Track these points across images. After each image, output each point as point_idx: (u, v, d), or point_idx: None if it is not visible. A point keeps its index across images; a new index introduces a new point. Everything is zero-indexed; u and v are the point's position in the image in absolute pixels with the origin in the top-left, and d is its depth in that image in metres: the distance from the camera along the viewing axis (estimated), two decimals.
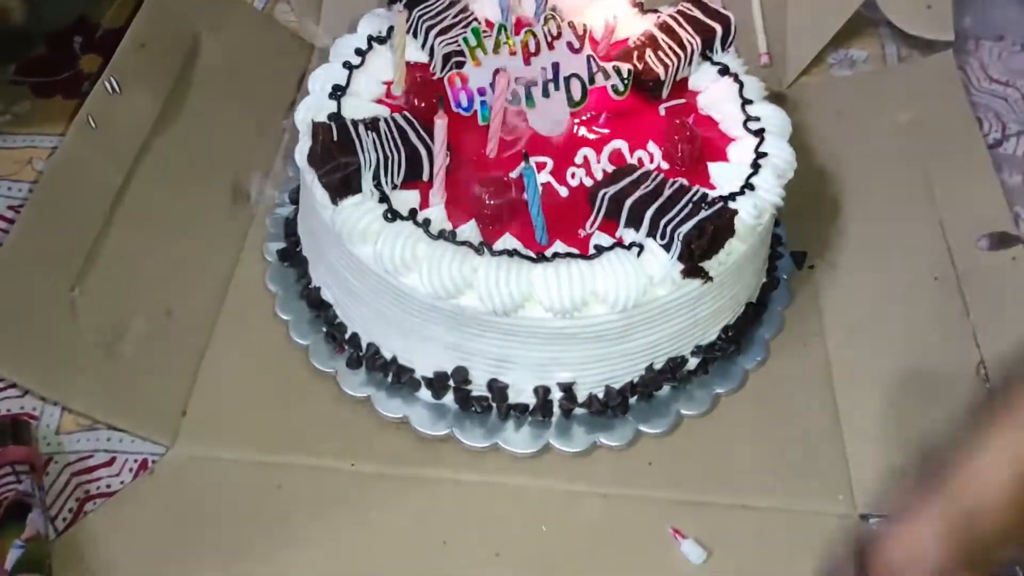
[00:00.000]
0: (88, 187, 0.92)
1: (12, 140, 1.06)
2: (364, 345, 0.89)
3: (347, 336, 0.90)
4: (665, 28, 0.97)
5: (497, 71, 0.89)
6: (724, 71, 0.97)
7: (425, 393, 0.88)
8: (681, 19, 0.98)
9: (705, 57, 0.98)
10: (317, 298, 0.93)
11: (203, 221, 0.99)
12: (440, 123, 0.79)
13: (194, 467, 0.85)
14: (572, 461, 0.86)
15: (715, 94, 0.95)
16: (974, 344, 0.91)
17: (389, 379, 0.88)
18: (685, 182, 0.85)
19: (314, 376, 0.91)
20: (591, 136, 0.92)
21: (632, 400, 0.88)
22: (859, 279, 1.00)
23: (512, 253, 0.80)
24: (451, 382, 0.86)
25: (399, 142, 0.84)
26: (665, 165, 0.90)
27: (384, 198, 0.83)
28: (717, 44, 0.98)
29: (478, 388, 0.86)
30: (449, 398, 0.87)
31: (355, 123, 0.84)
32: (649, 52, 0.95)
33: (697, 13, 0.98)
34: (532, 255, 0.80)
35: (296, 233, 0.98)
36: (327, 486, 0.84)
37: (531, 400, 0.86)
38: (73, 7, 1.20)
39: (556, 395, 0.86)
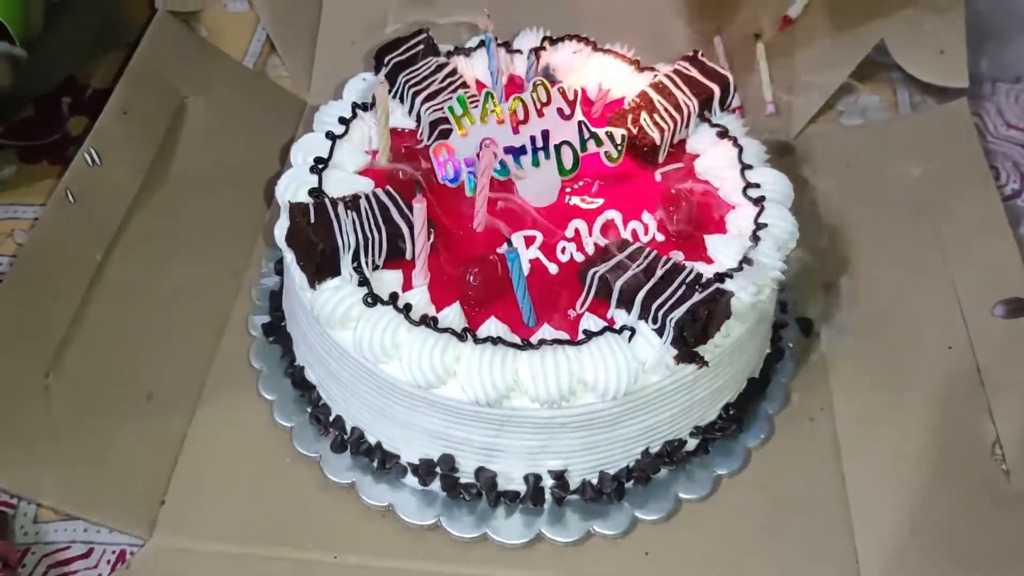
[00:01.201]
0: (65, 264, 0.89)
1: None
2: (349, 429, 0.86)
3: (331, 419, 0.87)
4: (661, 89, 0.93)
5: (484, 141, 0.86)
6: (723, 133, 0.93)
7: (412, 480, 0.84)
8: (678, 79, 0.94)
9: (703, 118, 0.94)
10: (301, 378, 0.90)
11: (186, 294, 0.97)
12: (419, 207, 0.76)
13: (173, 559, 0.82)
14: (565, 552, 0.82)
15: (714, 158, 0.91)
16: (989, 420, 0.86)
17: (375, 465, 0.85)
18: (680, 259, 0.81)
19: (298, 460, 0.87)
20: (583, 206, 0.88)
21: (628, 485, 0.84)
22: (868, 347, 0.95)
23: (496, 341, 0.76)
24: (438, 469, 0.82)
25: (380, 221, 0.81)
26: (660, 237, 0.86)
27: (364, 281, 0.79)
28: (716, 105, 0.94)
29: (466, 475, 0.83)
30: (436, 485, 0.84)
31: (334, 202, 0.81)
32: (644, 115, 0.92)
33: (695, 73, 0.94)
34: (518, 342, 0.77)
35: (281, 308, 0.95)
36: None
37: (522, 488, 0.82)
38: (61, 69, 1.18)
39: (548, 482, 0.82)
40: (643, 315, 0.77)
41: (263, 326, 0.95)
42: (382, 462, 0.84)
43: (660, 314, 0.76)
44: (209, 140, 1.07)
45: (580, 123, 0.88)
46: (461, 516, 0.83)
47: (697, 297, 0.76)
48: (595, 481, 0.83)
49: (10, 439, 0.79)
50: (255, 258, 1.02)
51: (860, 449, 0.88)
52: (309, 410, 0.89)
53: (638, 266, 0.79)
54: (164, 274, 0.96)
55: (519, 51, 1.02)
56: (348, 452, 0.86)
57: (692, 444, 0.86)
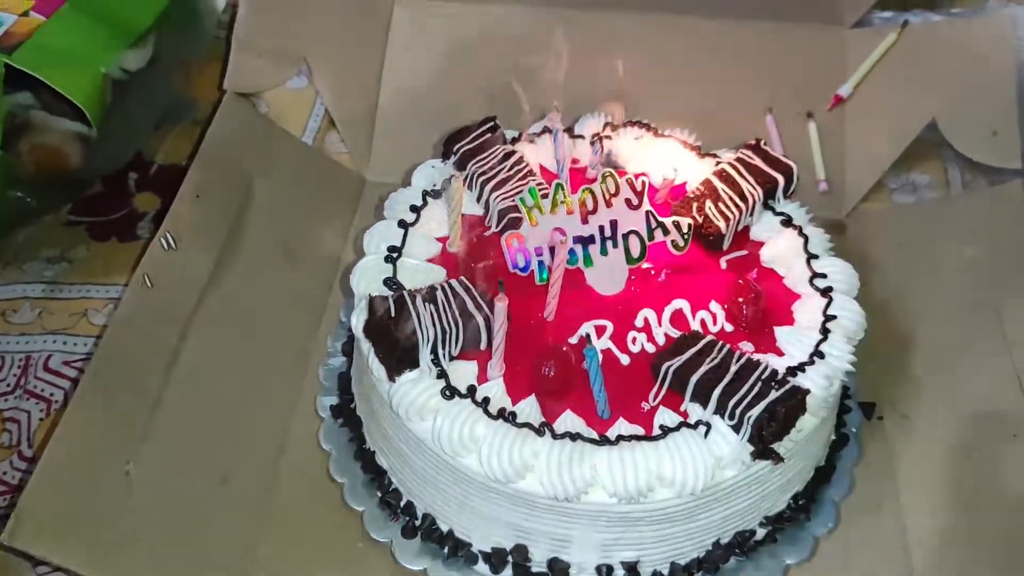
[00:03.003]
0: (144, 350, 0.91)
1: (68, 291, 1.06)
2: (420, 515, 0.87)
3: (402, 504, 0.88)
4: (725, 177, 0.95)
5: (555, 230, 0.88)
6: (787, 222, 0.94)
7: (483, 567, 0.85)
8: (742, 168, 0.96)
9: (767, 206, 0.96)
10: (372, 461, 0.91)
11: (256, 375, 0.98)
12: (500, 305, 0.78)
13: None
14: None
15: (779, 247, 0.93)
16: None
17: (446, 552, 0.86)
18: (753, 355, 0.82)
19: (369, 544, 0.88)
20: (651, 295, 0.90)
21: (698, 575, 0.84)
22: (933, 432, 0.96)
23: (575, 436, 0.77)
24: (510, 558, 0.83)
25: (457, 313, 0.82)
26: (729, 328, 0.87)
27: (442, 373, 0.81)
28: (779, 193, 0.96)
29: (538, 565, 0.83)
30: (508, 573, 0.84)
31: (412, 294, 0.83)
32: (709, 204, 0.93)
33: (758, 161, 0.96)
34: (595, 436, 0.78)
35: (350, 390, 0.96)
36: None
37: None
38: (129, 146, 1.21)
39: (619, 573, 0.83)
40: (719, 411, 0.78)
41: (331, 408, 0.96)
42: (454, 550, 0.85)
43: (737, 411, 0.77)
44: (274, 220, 1.09)
45: (648, 213, 0.89)
46: None
47: (774, 395, 0.77)
48: (666, 572, 0.83)
49: (96, 530, 0.80)
50: (320, 337, 1.04)
51: (929, 540, 0.88)
52: (379, 494, 0.90)
53: (711, 360, 0.80)
54: (235, 355, 0.98)
55: (581, 136, 1.04)
56: (419, 538, 0.87)
57: (761, 533, 0.86)
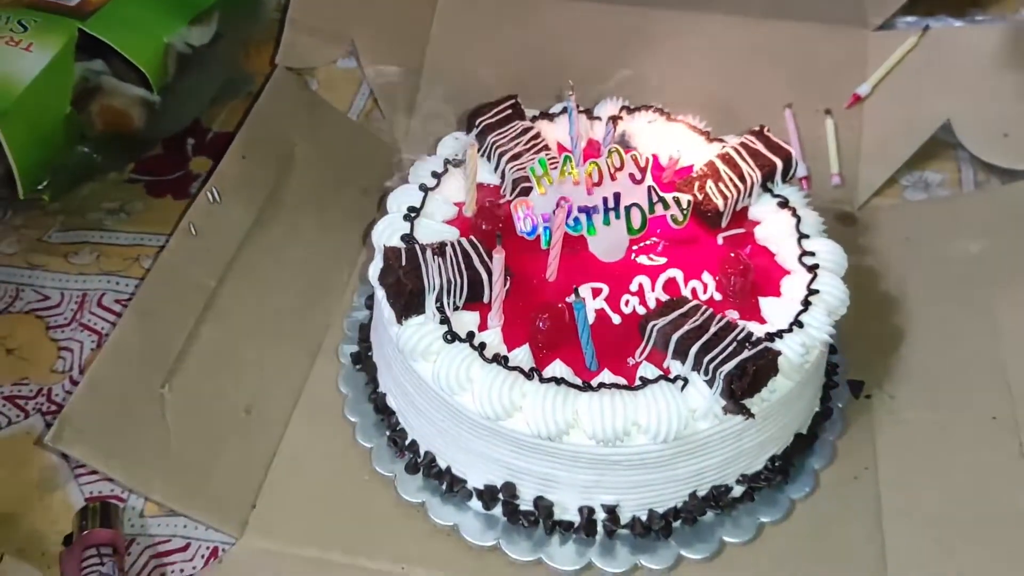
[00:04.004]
0: (184, 290, 1.01)
1: (123, 238, 1.17)
2: (422, 453, 0.95)
3: (407, 443, 0.96)
4: (727, 160, 1.01)
5: (560, 199, 0.95)
6: (783, 204, 1.00)
7: (476, 503, 0.92)
8: (744, 152, 1.01)
9: (766, 188, 1.01)
10: (383, 403, 0.99)
11: (285, 322, 1.07)
12: (498, 257, 0.85)
13: (260, 559, 0.91)
14: None
15: (773, 227, 0.98)
16: None
17: (443, 487, 0.93)
18: (733, 318, 0.88)
19: (375, 478, 0.96)
20: (648, 263, 0.96)
21: (676, 524, 0.90)
22: (916, 413, 1.00)
23: (560, 381, 0.84)
24: (500, 495, 0.90)
25: (463, 267, 0.90)
26: (718, 296, 0.93)
27: (445, 319, 0.88)
28: (778, 177, 1.01)
29: (525, 503, 0.90)
30: (498, 510, 0.91)
31: (423, 248, 0.91)
32: (710, 183, 0.99)
33: (760, 146, 1.02)
34: (579, 383, 0.84)
35: (368, 339, 1.04)
36: None
37: (576, 518, 0.89)
38: (188, 114, 1.31)
39: (600, 515, 0.89)
40: (696, 367, 0.84)
41: (351, 354, 1.05)
42: (450, 485, 0.92)
43: (711, 367, 0.83)
44: (312, 184, 1.18)
45: (650, 188, 0.96)
46: (519, 540, 0.91)
47: (747, 353, 0.82)
48: (644, 518, 0.89)
49: (130, 441, 0.90)
50: (348, 293, 1.12)
51: (901, 511, 0.93)
52: (387, 433, 0.98)
53: (694, 322, 0.86)
54: (267, 303, 1.07)
55: (599, 118, 1.11)
56: (420, 474, 0.95)
57: (738, 491, 0.92)
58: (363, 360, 1.04)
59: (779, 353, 0.84)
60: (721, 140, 1.06)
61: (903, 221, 1.20)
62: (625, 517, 0.89)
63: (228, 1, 1.33)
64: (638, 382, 0.85)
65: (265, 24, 1.41)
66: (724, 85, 1.31)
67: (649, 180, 0.96)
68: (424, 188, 1.00)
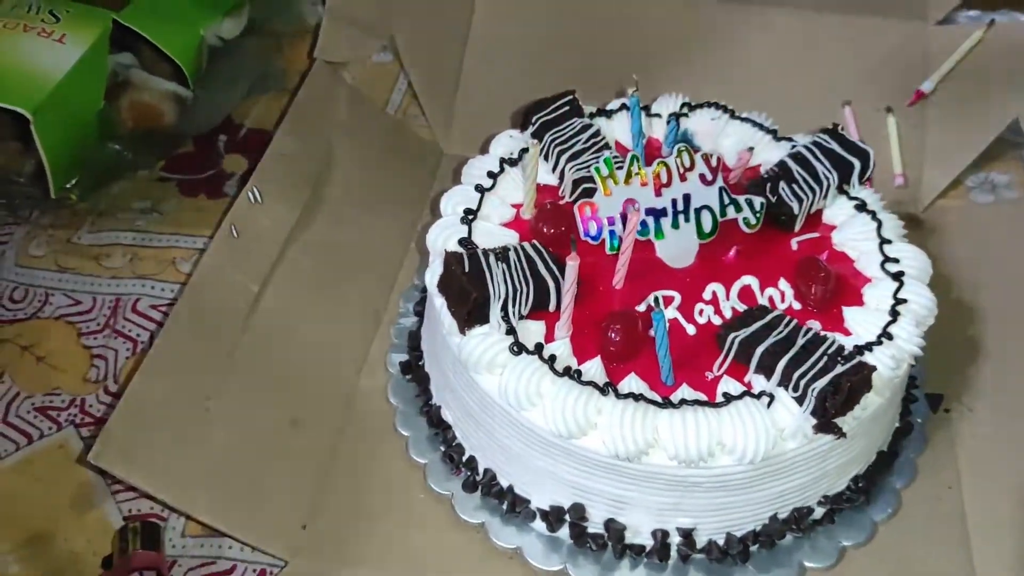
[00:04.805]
0: (228, 296, 0.95)
1: (157, 239, 1.11)
2: (481, 470, 0.89)
3: (464, 459, 0.91)
4: (800, 160, 0.95)
5: (627, 201, 0.89)
6: (861, 207, 0.94)
7: (540, 525, 0.87)
8: (818, 151, 0.96)
9: (841, 190, 0.96)
10: (437, 416, 0.93)
11: (330, 328, 1.02)
12: (572, 264, 0.80)
13: None
14: None
15: (851, 231, 0.93)
16: None
17: (504, 507, 0.88)
18: (819, 330, 0.82)
19: (430, 496, 0.91)
20: (720, 270, 0.91)
21: (753, 548, 0.85)
22: (998, 427, 0.95)
23: (638, 397, 0.79)
24: (567, 517, 0.85)
25: (528, 273, 0.84)
26: (797, 305, 0.87)
27: (511, 330, 0.83)
28: (855, 178, 0.96)
29: (594, 525, 0.85)
30: (564, 532, 0.86)
31: (486, 253, 0.85)
32: (783, 184, 0.94)
33: (834, 146, 0.96)
34: (658, 399, 0.79)
35: (419, 347, 0.99)
36: None
37: (648, 542, 0.84)
38: (220, 110, 1.26)
39: (675, 539, 0.84)
40: (783, 383, 0.79)
41: (401, 364, 0.99)
42: (512, 505, 0.87)
43: (802, 383, 0.77)
44: (354, 184, 1.13)
45: (721, 189, 0.91)
46: (586, 564, 0.85)
47: (840, 369, 0.77)
48: (721, 542, 0.84)
49: (174, 458, 0.85)
50: (394, 298, 1.07)
51: (988, 530, 0.88)
52: (443, 449, 0.92)
53: (778, 333, 0.81)
54: (312, 308, 1.01)
55: (658, 115, 1.05)
56: (479, 493, 0.89)
57: (819, 513, 0.87)
58: (414, 370, 0.98)
59: (874, 368, 0.78)
60: (790, 139, 1.01)
61: (971, 224, 1.16)
62: (701, 541, 0.84)
63: None
64: (720, 398, 0.79)
65: (298, 17, 1.36)
66: (781, 80, 1.26)
67: (720, 181, 0.91)
68: (480, 189, 0.95)
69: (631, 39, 1.31)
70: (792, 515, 0.85)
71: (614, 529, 0.84)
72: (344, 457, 0.94)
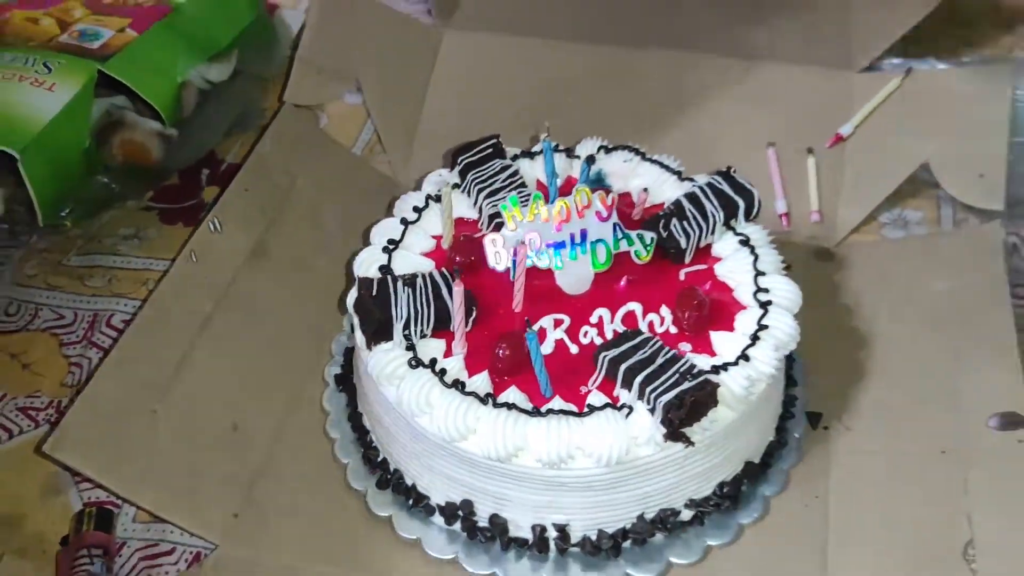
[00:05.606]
0: (182, 313, 1.09)
1: (135, 262, 1.26)
2: (391, 470, 1.01)
3: (379, 460, 1.02)
4: (693, 199, 1.05)
5: (528, 235, 1.01)
6: (744, 242, 1.04)
7: (438, 519, 0.98)
8: (709, 191, 1.06)
9: (730, 226, 1.06)
10: (358, 423, 1.06)
11: (277, 345, 1.14)
12: (457, 290, 0.91)
13: (237, 565, 0.98)
14: None
15: (732, 264, 1.03)
16: (967, 523, 0.93)
17: (409, 503, 0.99)
18: (681, 351, 0.92)
19: (349, 492, 1.03)
20: (610, 297, 1.01)
21: (625, 544, 0.95)
22: (871, 446, 1.03)
23: (512, 406, 0.90)
24: (459, 512, 0.96)
25: (431, 297, 0.96)
26: (674, 329, 0.98)
27: (411, 347, 0.95)
28: (741, 216, 1.06)
29: (482, 520, 0.96)
30: (458, 525, 0.97)
31: (395, 279, 0.97)
32: (675, 221, 1.04)
33: (725, 186, 1.06)
34: (530, 408, 0.90)
35: (352, 362, 1.11)
36: None
37: (529, 536, 0.95)
38: (203, 145, 1.40)
39: (552, 534, 0.94)
40: (640, 396, 0.89)
41: (335, 376, 1.12)
42: (415, 501, 0.99)
43: (652, 396, 0.88)
44: (311, 216, 1.26)
45: (615, 225, 1.02)
46: (477, 555, 0.96)
47: (686, 384, 0.87)
48: (594, 537, 0.94)
49: (123, 452, 0.97)
50: (340, 319, 1.19)
51: (846, 538, 0.96)
52: (363, 451, 1.04)
53: (642, 353, 0.91)
54: (261, 327, 1.14)
55: (578, 157, 1.17)
56: (390, 490, 1.01)
57: (687, 515, 0.96)
58: (344, 381, 1.10)
59: (717, 385, 0.88)
60: (691, 179, 1.11)
61: (879, 258, 1.24)
62: (575, 536, 0.94)
63: (246, 40, 1.43)
64: (586, 409, 0.90)
65: (281, 61, 1.50)
66: (711, 124, 1.36)
67: (615, 218, 1.02)
68: (405, 222, 1.07)
69: (585, 87, 1.43)
70: (659, 515, 0.94)
71: (498, 523, 0.95)
72: (278, 456, 1.06)
